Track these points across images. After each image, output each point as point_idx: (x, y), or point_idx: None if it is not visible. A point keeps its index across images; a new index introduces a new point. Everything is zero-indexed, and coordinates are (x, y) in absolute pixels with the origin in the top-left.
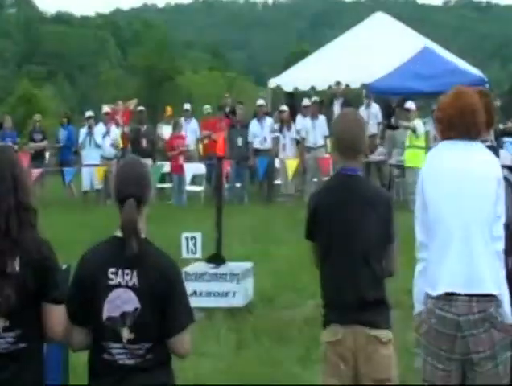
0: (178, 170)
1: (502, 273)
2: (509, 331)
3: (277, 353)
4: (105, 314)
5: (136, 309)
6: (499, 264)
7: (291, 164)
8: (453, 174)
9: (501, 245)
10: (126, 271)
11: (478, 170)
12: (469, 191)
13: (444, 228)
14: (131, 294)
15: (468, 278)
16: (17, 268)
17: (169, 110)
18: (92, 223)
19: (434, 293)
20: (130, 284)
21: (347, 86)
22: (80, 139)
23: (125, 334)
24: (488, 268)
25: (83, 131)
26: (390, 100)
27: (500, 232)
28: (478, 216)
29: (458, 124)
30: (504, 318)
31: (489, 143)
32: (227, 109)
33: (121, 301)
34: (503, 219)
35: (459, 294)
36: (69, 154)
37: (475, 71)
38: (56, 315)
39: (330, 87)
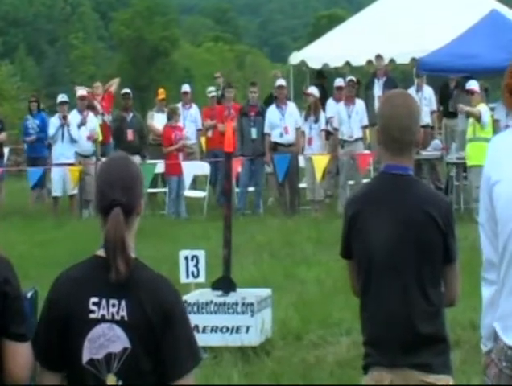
0: (175, 170)
1: None
2: None
3: None
4: (86, 357)
5: (125, 349)
6: None
7: (320, 162)
8: None
9: None
10: (112, 301)
11: None
12: None
13: None
14: (118, 331)
15: None
16: None
17: (162, 93)
18: (65, 238)
19: (506, 340)
20: (118, 317)
21: (391, 61)
22: (52, 131)
23: (112, 381)
24: None
25: (54, 121)
26: (448, 79)
27: None
28: None
29: None
30: None
31: None
32: (218, 93)
33: (105, 339)
34: None
35: None
36: (43, 149)
37: None
38: (20, 355)
39: (370, 62)
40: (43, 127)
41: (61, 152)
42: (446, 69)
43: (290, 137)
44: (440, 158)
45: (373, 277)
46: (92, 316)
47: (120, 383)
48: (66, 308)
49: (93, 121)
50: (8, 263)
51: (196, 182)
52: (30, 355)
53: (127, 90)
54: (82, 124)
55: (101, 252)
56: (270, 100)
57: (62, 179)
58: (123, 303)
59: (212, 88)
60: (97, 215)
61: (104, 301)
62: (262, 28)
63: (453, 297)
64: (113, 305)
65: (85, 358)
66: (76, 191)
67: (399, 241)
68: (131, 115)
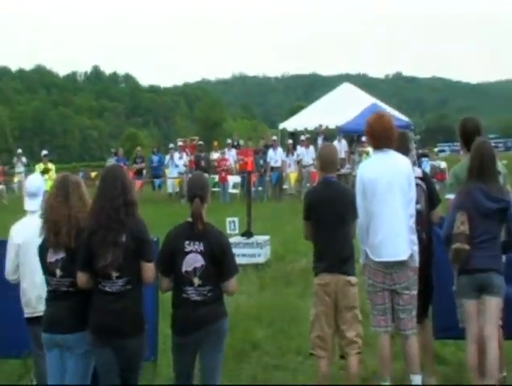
0: (223, 180)
1: (414, 237)
2: (416, 271)
3: (285, 291)
4: (183, 269)
5: (202, 265)
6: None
7: (293, 176)
8: (384, 173)
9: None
10: (196, 242)
11: (400, 169)
12: (396, 182)
13: (378, 211)
14: (199, 257)
15: (394, 251)
16: (124, 240)
17: (216, 144)
18: (172, 213)
19: (374, 258)
20: (199, 250)
21: (326, 127)
22: (166, 162)
23: (196, 281)
24: (406, 240)
25: (167, 157)
26: (353, 135)
27: (412, 211)
28: (402, 200)
29: (384, 137)
30: (414, 263)
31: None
32: (235, 143)
33: (193, 260)
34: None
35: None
36: (159, 171)
37: (404, 118)
38: (148, 269)
39: (316, 128)
40: (159, 160)
41: (171, 172)
42: (352, 131)
43: (278, 164)
44: (349, 174)
45: (321, 229)
46: (186, 250)
47: (200, 281)
48: (173, 246)
49: (185, 158)
50: (143, 222)
51: (234, 186)
52: (154, 268)
53: (201, 142)
54: (181, 158)
55: (189, 219)
56: (266, 146)
57: (172, 185)
58: (201, 243)
59: (241, 141)
60: (188, 202)
61: (192, 242)
62: (266, 112)
63: (354, 234)
64: (196, 244)
65: (183, 270)
66: (178, 190)
67: (334, 212)
68: (203, 154)
